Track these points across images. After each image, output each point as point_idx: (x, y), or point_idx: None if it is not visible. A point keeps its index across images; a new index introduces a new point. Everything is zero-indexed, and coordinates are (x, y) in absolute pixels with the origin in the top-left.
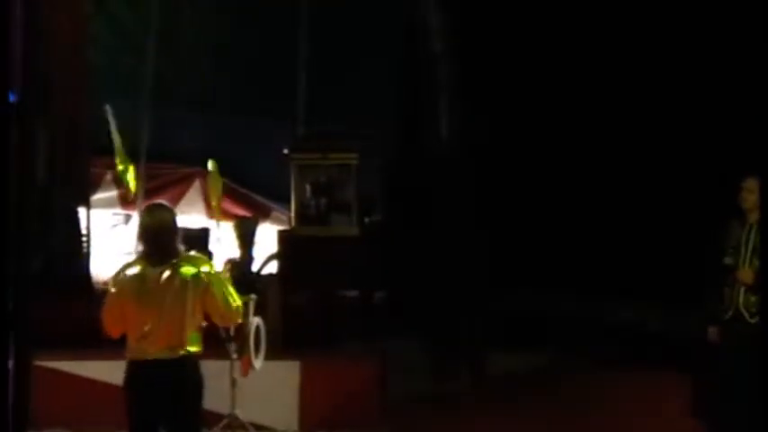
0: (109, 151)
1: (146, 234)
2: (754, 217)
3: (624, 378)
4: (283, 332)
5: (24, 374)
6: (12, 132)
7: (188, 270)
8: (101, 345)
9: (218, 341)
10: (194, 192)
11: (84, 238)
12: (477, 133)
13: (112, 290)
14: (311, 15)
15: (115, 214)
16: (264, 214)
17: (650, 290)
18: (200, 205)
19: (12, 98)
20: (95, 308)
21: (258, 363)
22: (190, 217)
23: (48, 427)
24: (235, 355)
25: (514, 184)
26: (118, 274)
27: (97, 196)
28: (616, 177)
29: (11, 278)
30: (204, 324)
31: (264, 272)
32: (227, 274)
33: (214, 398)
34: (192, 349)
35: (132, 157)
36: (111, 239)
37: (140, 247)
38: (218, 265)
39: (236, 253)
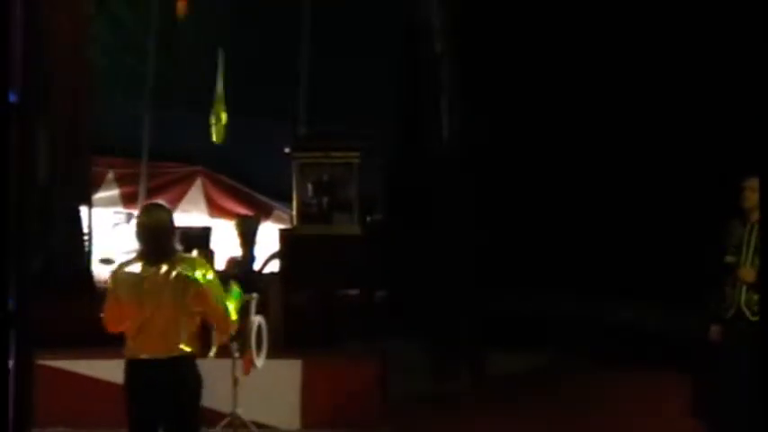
0: (110, 151)
1: (142, 234)
2: (755, 216)
3: (624, 378)
4: (284, 331)
5: (26, 373)
6: (11, 132)
7: (183, 271)
8: (102, 343)
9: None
10: (196, 190)
11: (86, 237)
12: (477, 133)
13: (110, 288)
14: (312, 15)
15: (116, 213)
16: (266, 213)
17: (650, 290)
18: (202, 204)
19: (12, 98)
20: (97, 307)
21: (260, 361)
22: (191, 216)
23: (50, 426)
24: (237, 354)
25: (515, 184)
26: (115, 272)
27: (99, 195)
28: (616, 177)
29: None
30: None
31: (266, 271)
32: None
33: (216, 397)
34: (188, 349)
35: (133, 156)
36: (112, 238)
37: (137, 247)
38: (220, 264)
39: (237, 252)
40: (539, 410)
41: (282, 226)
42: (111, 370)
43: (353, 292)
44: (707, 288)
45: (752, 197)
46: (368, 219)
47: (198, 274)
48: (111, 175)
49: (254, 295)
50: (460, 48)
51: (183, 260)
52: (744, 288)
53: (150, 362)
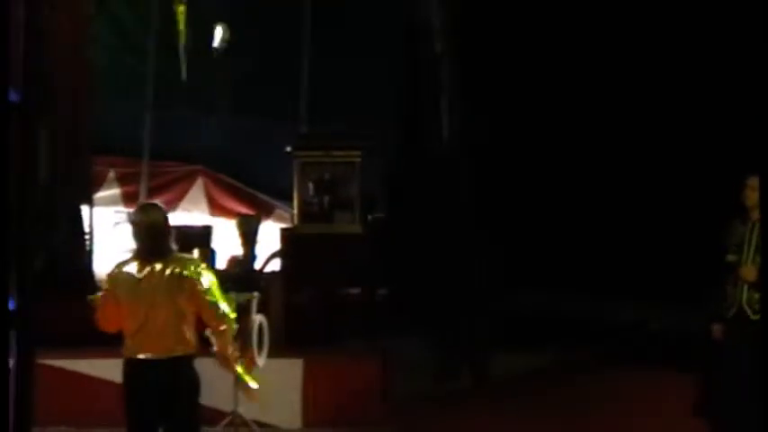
0: (111, 150)
1: (138, 233)
2: (756, 215)
3: (626, 377)
4: (286, 330)
5: (28, 373)
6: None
7: (178, 270)
8: (103, 343)
9: None
10: (197, 190)
11: (87, 237)
12: (477, 133)
13: (106, 287)
14: (313, 15)
15: (118, 212)
16: (267, 212)
17: (651, 289)
18: (203, 203)
19: (13, 98)
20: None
21: (261, 360)
22: (192, 215)
23: (51, 425)
24: (237, 353)
25: (515, 184)
26: (112, 271)
27: (100, 194)
28: (617, 177)
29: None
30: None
31: (267, 270)
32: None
33: (217, 396)
34: (186, 348)
35: (134, 155)
36: (113, 237)
37: (134, 246)
38: (221, 263)
39: (239, 251)
40: (541, 410)
41: (283, 225)
42: (111, 369)
43: (355, 290)
44: (708, 287)
45: (753, 196)
46: (369, 218)
47: (193, 273)
48: (112, 175)
49: (256, 294)
50: (460, 48)
51: (179, 259)
52: (745, 287)
53: (148, 361)
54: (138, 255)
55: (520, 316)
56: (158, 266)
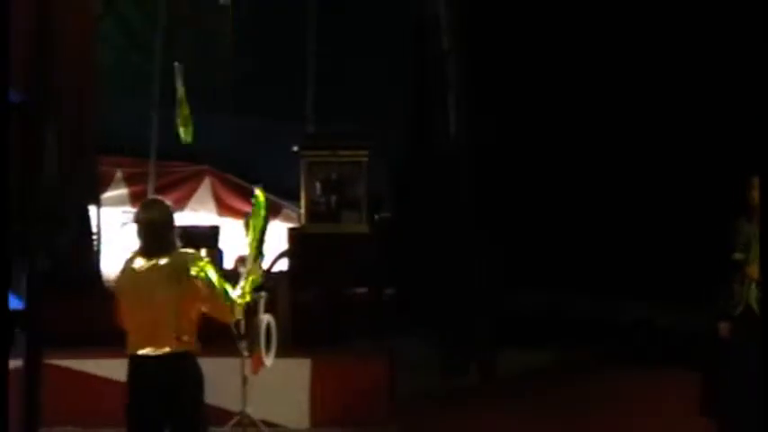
0: (118, 150)
1: (140, 229)
2: None
3: (633, 376)
4: (293, 329)
5: (35, 373)
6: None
7: (177, 265)
8: (110, 342)
9: (229, 338)
10: (204, 189)
11: (95, 237)
12: (485, 131)
13: (115, 285)
14: (320, 14)
15: (125, 212)
16: (274, 212)
17: (658, 288)
18: (211, 203)
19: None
20: (106, 306)
21: (269, 360)
22: (199, 215)
23: (58, 425)
24: (246, 353)
25: (522, 183)
26: (121, 269)
27: (107, 194)
28: (624, 176)
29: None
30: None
31: (274, 269)
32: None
33: (225, 395)
34: (187, 344)
35: (141, 155)
36: (121, 237)
37: (138, 243)
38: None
39: (246, 250)
40: (547, 408)
41: (291, 225)
42: (118, 369)
43: (362, 290)
44: (713, 285)
45: (757, 196)
46: (376, 217)
47: (193, 268)
48: (119, 175)
49: (263, 294)
50: (468, 45)
51: (180, 255)
52: (752, 285)
53: (149, 357)
54: (141, 251)
55: (520, 316)
56: (159, 262)
